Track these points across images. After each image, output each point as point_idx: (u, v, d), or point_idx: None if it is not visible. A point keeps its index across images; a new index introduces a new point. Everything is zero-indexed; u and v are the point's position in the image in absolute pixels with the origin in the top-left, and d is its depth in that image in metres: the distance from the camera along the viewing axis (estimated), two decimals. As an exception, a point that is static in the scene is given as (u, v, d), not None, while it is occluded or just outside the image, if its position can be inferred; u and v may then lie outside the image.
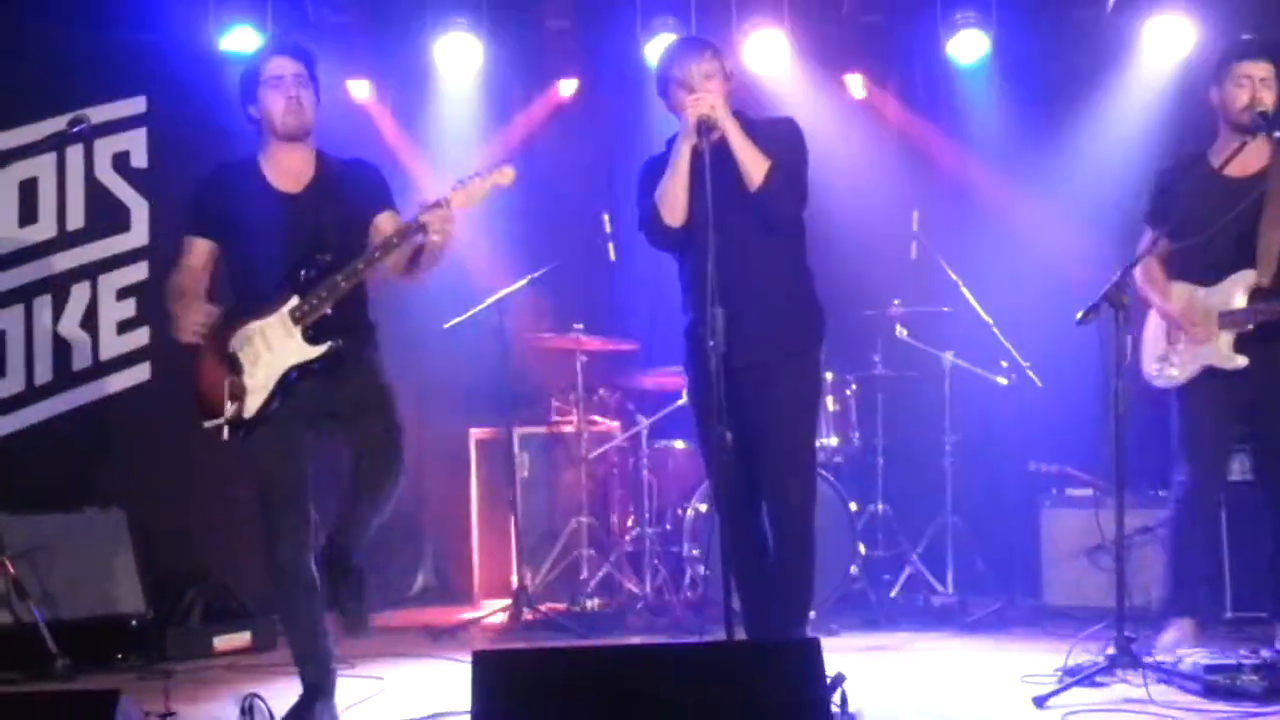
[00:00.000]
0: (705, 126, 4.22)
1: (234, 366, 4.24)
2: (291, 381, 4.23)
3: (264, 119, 4.32)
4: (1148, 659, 4.55)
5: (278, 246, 4.27)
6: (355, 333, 4.33)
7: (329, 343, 4.23)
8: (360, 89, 7.31)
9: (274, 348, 4.23)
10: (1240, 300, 4.96)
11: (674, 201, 4.35)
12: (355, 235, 4.33)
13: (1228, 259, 4.98)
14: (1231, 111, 4.97)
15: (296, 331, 4.22)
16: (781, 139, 4.41)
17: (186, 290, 4.31)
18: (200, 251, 4.38)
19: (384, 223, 4.36)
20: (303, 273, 4.22)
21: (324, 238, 4.28)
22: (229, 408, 4.23)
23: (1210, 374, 5.01)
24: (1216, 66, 5.06)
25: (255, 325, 4.24)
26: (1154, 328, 5.22)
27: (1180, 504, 5.09)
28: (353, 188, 4.40)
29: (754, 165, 4.27)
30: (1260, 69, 4.93)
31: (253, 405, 4.22)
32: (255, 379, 4.23)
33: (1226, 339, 4.97)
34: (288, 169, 4.37)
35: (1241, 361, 4.95)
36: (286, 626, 4.46)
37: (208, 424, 4.27)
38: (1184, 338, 5.04)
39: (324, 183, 4.38)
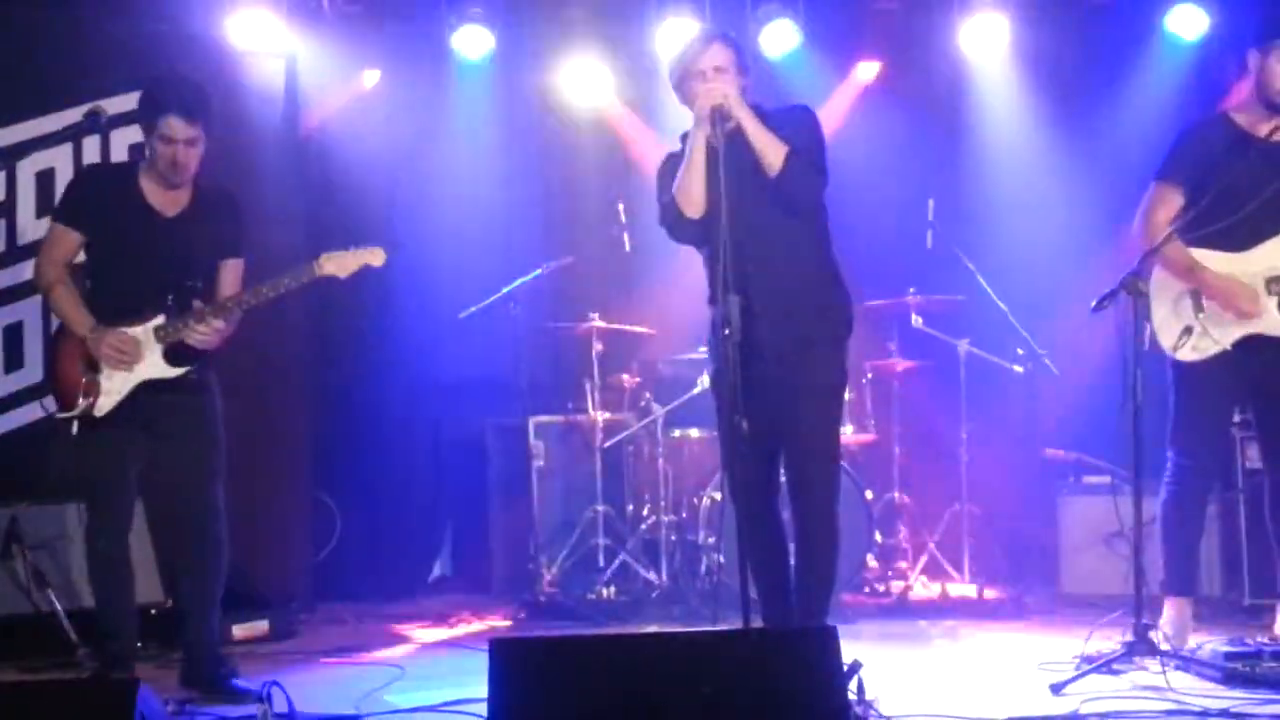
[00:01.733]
0: (719, 116, 4.21)
1: (93, 365, 4.53)
2: (142, 394, 4.56)
3: (148, 155, 4.61)
4: (1163, 646, 4.54)
5: (147, 263, 4.58)
6: (206, 367, 4.69)
7: (187, 367, 4.59)
8: (374, 79, 7.32)
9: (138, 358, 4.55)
10: None
11: (692, 193, 4.33)
12: (208, 269, 4.72)
13: (1267, 226, 4.81)
14: (1271, 88, 4.80)
15: (158, 349, 4.55)
16: (797, 125, 4.40)
17: (77, 305, 4.58)
18: (71, 244, 4.64)
19: (227, 271, 4.74)
20: (171, 296, 4.56)
21: (192, 264, 4.65)
22: (82, 403, 4.51)
23: (1225, 354, 4.86)
24: (1263, 32, 4.85)
25: (124, 333, 4.53)
26: (1170, 301, 4.96)
27: (1174, 484, 5.00)
28: (218, 223, 4.73)
29: (772, 151, 4.26)
30: None
31: (105, 406, 4.53)
32: (112, 382, 4.53)
33: (1273, 305, 4.81)
34: (165, 195, 4.64)
35: None
36: (101, 603, 4.73)
37: (61, 415, 4.56)
38: (1221, 306, 4.85)
39: (197, 212, 4.68)
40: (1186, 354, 4.91)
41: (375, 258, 4.64)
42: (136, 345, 4.52)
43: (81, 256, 4.74)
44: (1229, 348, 4.84)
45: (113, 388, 4.53)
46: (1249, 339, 4.85)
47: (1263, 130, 4.82)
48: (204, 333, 4.53)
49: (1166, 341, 4.95)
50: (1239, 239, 4.84)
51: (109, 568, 4.65)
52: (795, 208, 4.35)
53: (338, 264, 4.60)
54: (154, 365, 4.55)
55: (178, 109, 4.50)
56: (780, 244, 4.35)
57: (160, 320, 4.55)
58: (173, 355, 4.57)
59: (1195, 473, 5.00)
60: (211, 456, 4.71)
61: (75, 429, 4.53)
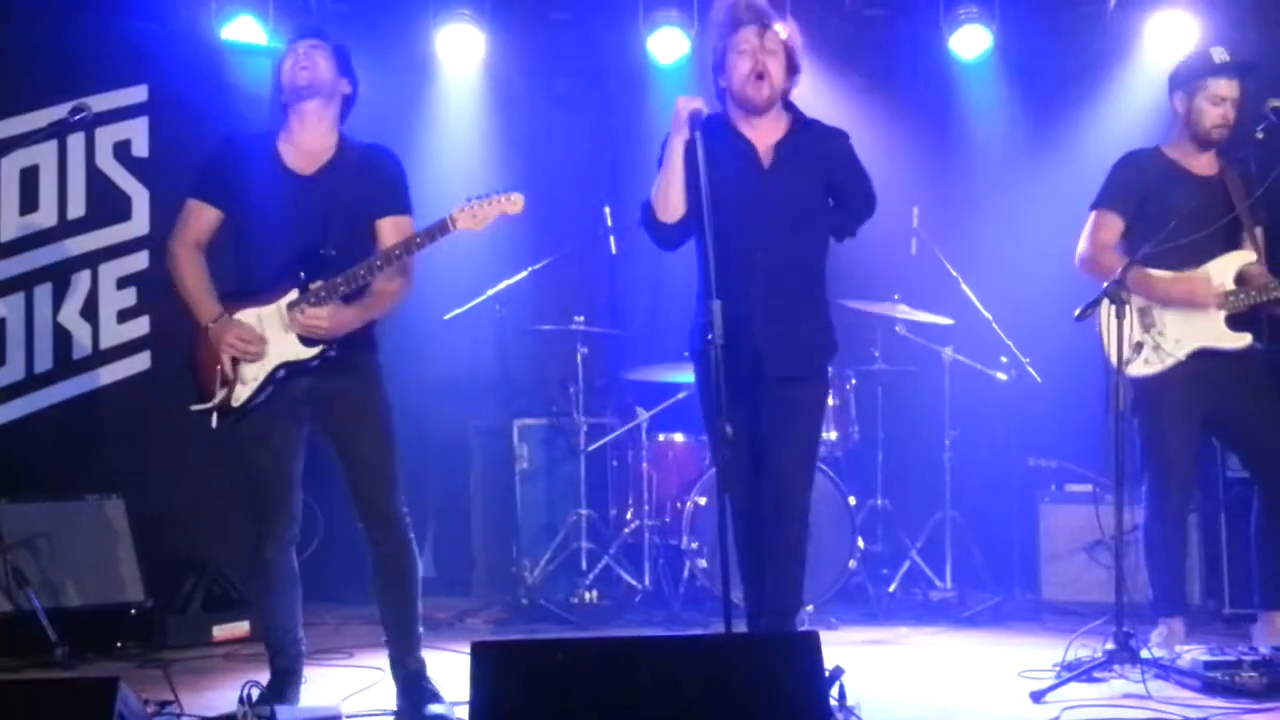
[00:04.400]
0: (698, 120, 4.17)
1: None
2: (280, 379, 4.19)
3: (283, 91, 4.28)
4: (1145, 654, 4.56)
5: (283, 230, 4.20)
6: (354, 338, 4.26)
7: (322, 345, 4.18)
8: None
9: (269, 340, 4.19)
10: (1230, 282, 5.00)
11: (670, 199, 4.28)
12: (360, 229, 4.28)
13: (1206, 249, 5.01)
14: (1200, 126, 5.08)
15: (294, 327, 4.17)
16: (846, 157, 4.45)
17: (203, 292, 4.26)
18: (205, 220, 4.30)
19: (386, 228, 4.30)
20: (303, 271, 4.16)
21: (330, 227, 4.21)
22: (219, 393, 4.19)
23: (1179, 368, 4.98)
24: (1187, 76, 5.14)
25: (253, 313, 4.20)
26: (1122, 320, 5.00)
27: (1153, 506, 5.06)
28: (367, 179, 4.32)
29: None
30: (1233, 90, 5.04)
31: (241, 395, 4.18)
32: (248, 369, 4.18)
33: (1220, 319, 4.98)
34: (304, 148, 4.30)
35: (1245, 340, 4.96)
36: (263, 615, 4.49)
37: (195, 408, 4.23)
38: (1172, 320, 5.00)
39: (339, 168, 4.29)
40: (1139, 368, 5.04)
41: (514, 205, 4.22)
42: (257, 332, 4.14)
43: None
44: (1182, 358, 4.99)
45: (247, 375, 4.15)
46: (1200, 352, 4.99)
47: (1194, 164, 5.09)
48: (312, 319, 4.12)
49: (1115, 359, 5.01)
50: (1187, 261, 5.03)
51: (270, 577, 4.33)
52: (846, 228, 4.43)
53: (472, 216, 4.16)
54: (289, 346, 4.16)
55: (295, 34, 4.35)
56: (773, 255, 4.30)
57: (294, 296, 4.14)
58: (307, 336, 4.18)
59: (1171, 491, 5.05)
60: (379, 460, 4.30)
61: (215, 422, 4.17)
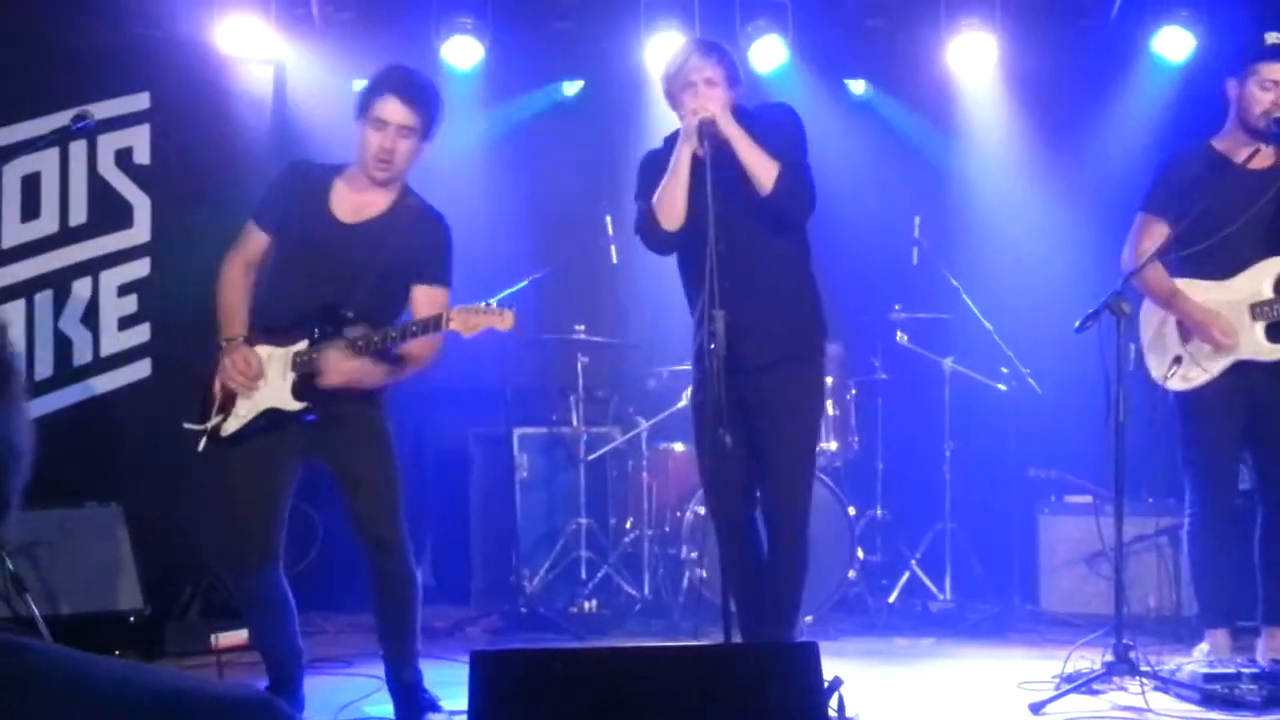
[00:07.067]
0: (707, 130, 4.19)
1: None
2: (262, 424, 4.16)
3: (358, 148, 4.17)
4: (1145, 668, 4.55)
5: (314, 274, 4.16)
6: (352, 395, 4.19)
7: (304, 404, 4.14)
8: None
9: (269, 382, 4.17)
10: (1268, 290, 4.80)
11: (673, 207, 4.30)
12: (392, 291, 4.20)
13: (1248, 253, 4.82)
14: (1251, 114, 4.80)
15: (291, 377, 4.14)
16: (782, 132, 4.36)
17: (233, 308, 4.24)
18: (257, 244, 4.30)
19: (420, 296, 4.21)
20: (316, 330, 4.13)
21: (360, 281, 4.13)
22: (215, 419, 4.20)
23: (1216, 381, 4.88)
24: (1239, 60, 4.85)
25: (266, 352, 4.19)
26: (1159, 329, 5.02)
27: (1197, 515, 4.96)
28: (410, 242, 4.21)
29: (763, 171, 4.20)
30: None
31: (230, 427, 4.18)
32: (244, 404, 4.17)
33: (1259, 330, 4.82)
34: (359, 197, 4.22)
35: None
36: (253, 634, 4.57)
37: (188, 426, 4.23)
38: (1198, 337, 4.87)
39: (385, 225, 4.20)
40: (1176, 384, 4.93)
41: (504, 322, 4.09)
42: (260, 368, 4.13)
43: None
44: (1217, 375, 4.86)
45: (240, 410, 4.15)
46: (1238, 365, 4.86)
47: (1241, 156, 4.83)
48: (331, 369, 4.06)
49: (1156, 372, 5.00)
50: (1222, 267, 4.86)
51: (250, 605, 4.39)
52: (787, 223, 4.34)
53: (463, 322, 4.04)
54: (279, 394, 4.13)
55: (398, 90, 4.09)
56: (763, 259, 4.33)
57: (303, 346, 4.12)
58: (301, 388, 4.13)
59: (1212, 504, 4.94)
60: (378, 484, 4.26)
61: (202, 445, 4.18)
